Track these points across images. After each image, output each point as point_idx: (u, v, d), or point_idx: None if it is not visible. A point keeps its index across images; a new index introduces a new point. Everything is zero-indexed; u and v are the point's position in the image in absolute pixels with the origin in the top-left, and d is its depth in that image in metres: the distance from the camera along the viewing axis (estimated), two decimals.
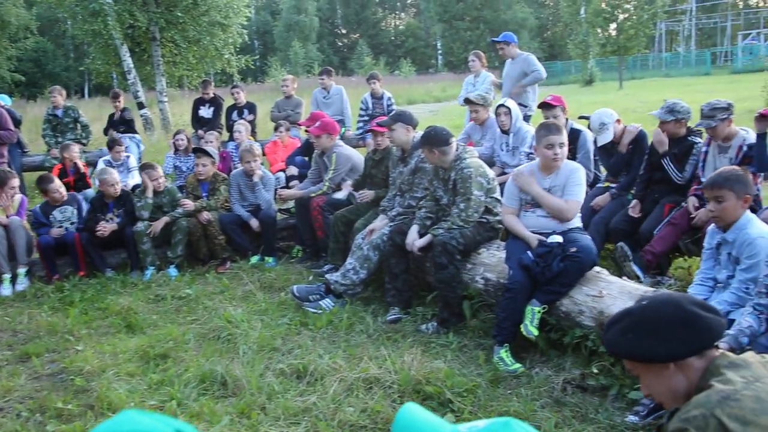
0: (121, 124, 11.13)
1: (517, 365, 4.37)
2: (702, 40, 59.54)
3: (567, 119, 6.57)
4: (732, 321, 3.51)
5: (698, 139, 5.57)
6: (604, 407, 3.84)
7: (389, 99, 11.05)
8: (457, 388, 4.02)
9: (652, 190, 5.77)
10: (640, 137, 6.02)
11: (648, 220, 5.55)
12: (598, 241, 5.67)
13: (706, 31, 60.83)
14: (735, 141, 5.27)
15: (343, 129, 10.66)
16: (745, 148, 5.19)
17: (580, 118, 7.54)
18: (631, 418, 3.64)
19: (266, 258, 7.11)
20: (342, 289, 5.65)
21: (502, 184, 6.13)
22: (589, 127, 6.33)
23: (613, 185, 6.10)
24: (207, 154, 7.36)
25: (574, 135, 6.46)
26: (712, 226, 3.91)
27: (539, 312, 4.45)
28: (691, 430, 1.70)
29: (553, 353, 4.49)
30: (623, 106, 8.31)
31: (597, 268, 4.64)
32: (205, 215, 7.04)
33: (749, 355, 1.90)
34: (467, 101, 7.39)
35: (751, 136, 5.23)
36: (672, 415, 1.82)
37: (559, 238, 4.61)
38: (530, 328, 4.40)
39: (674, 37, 59.55)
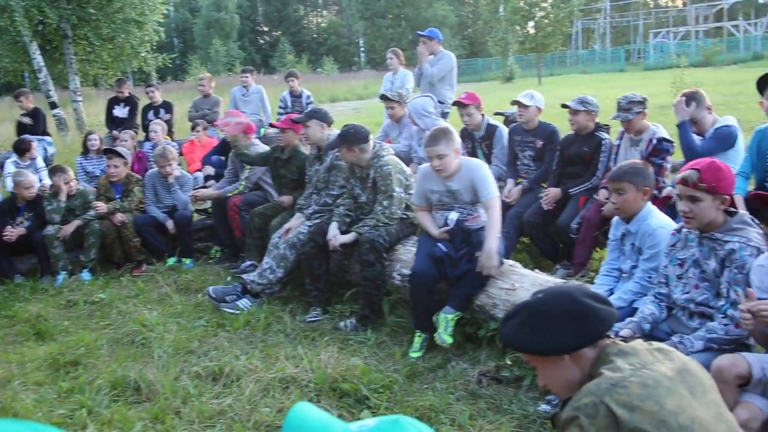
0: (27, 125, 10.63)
1: (418, 353, 4.51)
2: (616, 38, 61.26)
3: (483, 116, 6.66)
4: (636, 309, 3.63)
5: (605, 135, 5.73)
6: (517, 398, 3.92)
7: (308, 97, 11.02)
8: (374, 385, 4.05)
9: (564, 183, 5.91)
10: (552, 132, 6.15)
11: (564, 212, 5.67)
12: (513, 235, 5.78)
13: (620, 29, 62.66)
14: (645, 135, 5.45)
15: (262, 129, 10.57)
16: (654, 142, 5.37)
17: (496, 114, 7.66)
18: (544, 407, 3.73)
19: (183, 259, 6.98)
20: (259, 288, 5.60)
21: None
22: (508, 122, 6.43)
23: (526, 180, 6.20)
24: (118, 155, 7.17)
25: (491, 131, 6.58)
26: (616, 218, 4.02)
27: (453, 319, 4.53)
28: (582, 418, 1.75)
29: (468, 346, 4.56)
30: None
31: (510, 262, 4.74)
32: (119, 217, 6.85)
33: (638, 343, 1.96)
34: (383, 98, 7.40)
35: (660, 131, 5.43)
36: (565, 403, 1.86)
37: (455, 215, 4.76)
38: (444, 336, 4.48)
39: (590, 35, 61.09)
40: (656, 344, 1.98)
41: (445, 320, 4.51)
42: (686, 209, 3.21)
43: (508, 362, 4.15)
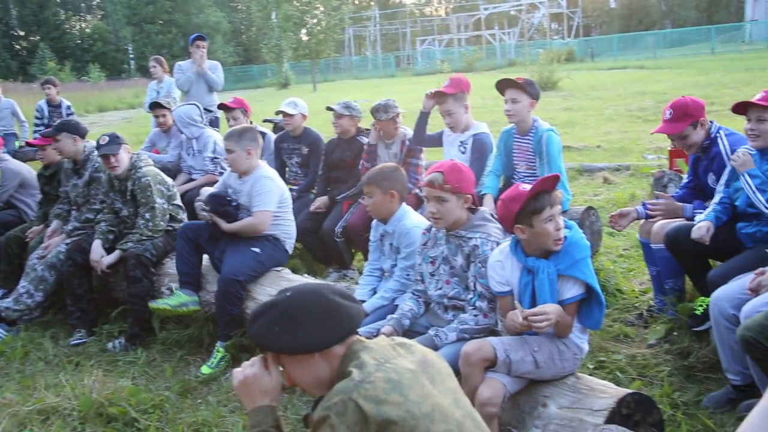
0: None
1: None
2: (386, 45, 63.85)
3: (251, 122, 6.67)
4: (397, 306, 3.81)
5: (365, 139, 5.97)
6: (292, 403, 3.93)
7: (68, 107, 10.40)
8: (144, 405, 3.90)
9: (331, 188, 6.07)
10: (315, 139, 6.31)
11: (329, 217, 5.83)
12: None
13: (389, 37, 65.35)
14: (397, 138, 5.83)
15: (17, 142, 9.86)
16: (407, 143, 5.73)
17: (265, 121, 7.72)
18: None
19: None
20: (15, 315, 5.20)
21: (192, 189, 6.08)
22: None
23: (295, 187, 6.29)
24: None
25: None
26: (375, 221, 4.18)
27: (219, 351, 4.50)
28: (333, 417, 1.81)
29: (243, 356, 4.52)
30: (317, 108, 8.66)
31: (278, 268, 4.78)
32: None
33: (381, 339, 2.07)
34: (156, 105, 7.15)
35: (409, 132, 5.78)
36: (317, 404, 1.92)
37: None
38: (203, 367, 4.44)
39: (362, 42, 63.11)
40: (398, 339, 2.09)
41: (216, 354, 4.50)
42: (434, 210, 3.40)
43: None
